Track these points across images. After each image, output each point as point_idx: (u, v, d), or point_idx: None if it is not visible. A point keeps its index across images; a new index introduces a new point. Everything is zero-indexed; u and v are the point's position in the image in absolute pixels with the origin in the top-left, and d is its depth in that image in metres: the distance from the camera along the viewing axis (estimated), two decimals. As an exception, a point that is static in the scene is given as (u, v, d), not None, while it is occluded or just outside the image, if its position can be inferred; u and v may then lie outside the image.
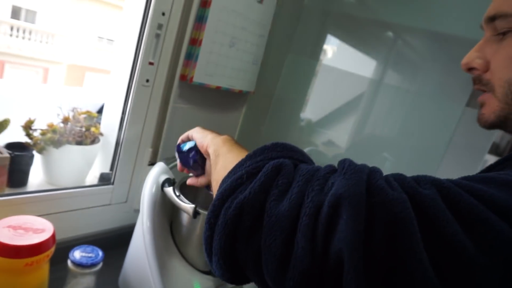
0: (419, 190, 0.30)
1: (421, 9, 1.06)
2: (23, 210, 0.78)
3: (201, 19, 0.88)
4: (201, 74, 0.92)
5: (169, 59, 0.86)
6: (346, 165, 0.34)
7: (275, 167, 0.35)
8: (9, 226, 0.63)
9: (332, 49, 1.28)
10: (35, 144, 0.91)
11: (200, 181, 0.63)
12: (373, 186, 0.30)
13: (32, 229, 0.65)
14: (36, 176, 0.92)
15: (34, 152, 0.92)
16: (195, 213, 0.68)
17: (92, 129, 0.98)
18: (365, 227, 0.28)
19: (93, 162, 1.00)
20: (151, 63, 0.84)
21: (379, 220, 0.28)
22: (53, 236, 0.65)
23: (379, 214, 0.28)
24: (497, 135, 0.87)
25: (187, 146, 0.62)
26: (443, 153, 0.95)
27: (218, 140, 0.54)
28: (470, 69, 0.47)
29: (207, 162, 0.61)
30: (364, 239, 0.28)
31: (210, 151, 0.54)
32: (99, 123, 1.00)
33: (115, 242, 0.93)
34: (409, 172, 0.35)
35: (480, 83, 0.46)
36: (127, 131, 0.87)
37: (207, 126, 1.08)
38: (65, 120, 0.95)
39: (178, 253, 0.75)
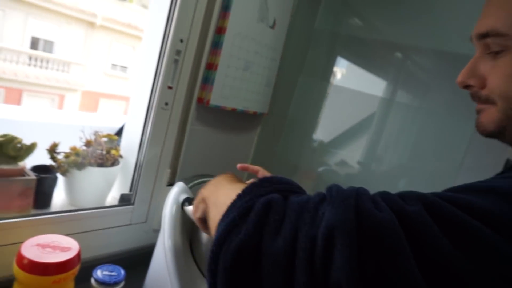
0: (405, 207, 0.31)
1: (427, 29, 1.09)
2: (48, 230, 0.80)
3: (216, 45, 0.93)
4: (217, 97, 0.96)
5: (186, 83, 0.91)
6: (334, 192, 0.35)
7: (265, 205, 0.35)
8: (37, 245, 0.66)
9: (342, 70, 1.32)
10: (59, 167, 0.95)
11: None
12: (362, 210, 0.31)
13: (59, 247, 0.68)
14: (59, 198, 0.95)
15: (58, 175, 0.95)
16: (215, 231, 0.70)
17: (113, 151, 1.02)
18: (358, 252, 0.29)
19: (113, 184, 1.03)
20: (170, 87, 0.88)
21: (370, 244, 0.29)
22: (78, 254, 0.68)
23: (370, 237, 0.29)
24: (510, 150, 0.88)
25: None
26: (455, 174, 0.96)
27: (201, 192, 0.55)
28: (466, 87, 0.48)
29: None
30: (358, 264, 0.29)
31: (205, 194, 0.54)
32: (119, 146, 1.04)
33: (135, 261, 0.94)
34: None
35: (479, 99, 0.47)
36: (147, 152, 0.90)
37: (223, 147, 1.12)
38: (88, 143, 1.00)
39: (199, 272, 0.76)
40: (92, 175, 0.97)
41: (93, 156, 0.99)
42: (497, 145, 0.50)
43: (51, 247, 0.67)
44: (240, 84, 1.01)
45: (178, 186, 0.81)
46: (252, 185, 0.40)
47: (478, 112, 0.48)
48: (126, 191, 1.00)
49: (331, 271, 0.29)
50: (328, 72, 1.27)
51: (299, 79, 1.24)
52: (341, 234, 0.30)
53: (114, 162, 1.02)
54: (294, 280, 0.30)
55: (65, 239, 0.71)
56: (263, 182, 0.41)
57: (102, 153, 1.01)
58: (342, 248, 0.29)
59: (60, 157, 0.96)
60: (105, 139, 1.04)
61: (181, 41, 0.86)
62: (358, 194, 0.34)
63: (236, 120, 1.11)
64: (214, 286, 0.35)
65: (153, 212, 0.98)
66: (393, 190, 0.36)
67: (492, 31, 0.43)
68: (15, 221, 0.74)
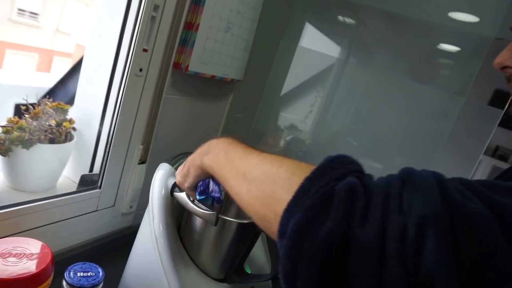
0: (494, 197, 0.31)
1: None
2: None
3: (197, 1, 0.78)
4: (197, 63, 0.83)
5: (164, 45, 0.76)
6: (417, 178, 0.33)
7: (348, 190, 0.33)
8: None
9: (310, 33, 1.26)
10: (-2, 145, 0.76)
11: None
12: (450, 200, 0.30)
13: (25, 254, 0.54)
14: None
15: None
16: (217, 221, 0.62)
17: (65, 124, 0.85)
18: (451, 246, 0.28)
19: (66, 163, 0.87)
20: (145, 50, 0.73)
21: (464, 237, 0.28)
22: (52, 260, 0.55)
23: (464, 230, 0.29)
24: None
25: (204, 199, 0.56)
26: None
27: (208, 146, 0.52)
28: (503, 68, 0.49)
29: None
30: (453, 259, 0.28)
31: (207, 168, 0.51)
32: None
33: (105, 250, 0.83)
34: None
35: None
36: (117, 127, 0.76)
37: (196, 118, 1.00)
38: (35, 115, 0.81)
39: (191, 261, 0.68)
40: (42, 154, 0.80)
41: (42, 130, 0.82)
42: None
43: (15, 255, 0.53)
44: (220, 48, 0.88)
45: (163, 168, 0.70)
46: (324, 167, 0.36)
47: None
48: (83, 171, 0.85)
49: (422, 263, 0.28)
50: (297, 34, 1.19)
51: (279, 43, 1.14)
52: (433, 227, 0.29)
53: (66, 137, 0.85)
54: (386, 270, 0.29)
55: (29, 241, 0.57)
56: (334, 163, 0.37)
57: (51, 126, 0.83)
58: (435, 241, 0.28)
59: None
60: (53, 108, 0.86)
61: (160, -7, 0.70)
62: (439, 180, 0.32)
63: (210, 87, 1.00)
64: (293, 274, 0.33)
65: (122, 195, 0.85)
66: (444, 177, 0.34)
67: None
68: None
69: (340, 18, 1.23)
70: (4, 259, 0.51)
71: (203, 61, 0.85)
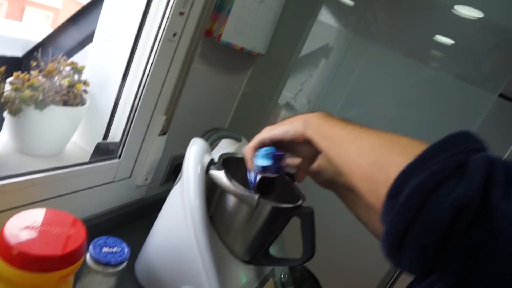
0: None
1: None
2: (10, 198, 0.59)
3: (239, -36, 0.72)
4: (230, 32, 0.78)
5: (200, 10, 0.70)
6: None
7: (486, 163, 0.33)
8: (28, 227, 0.47)
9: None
10: (7, 103, 0.70)
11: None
12: None
13: (59, 228, 0.49)
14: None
15: (5, 114, 0.71)
16: (258, 204, 0.60)
17: (77, 86, 0.78)
18: None
19: (77, 128, 0.81)
20: (181, 13, 0.67)
21: None
22: (86, 235, 0.51)
23: None
24: None
25: (265, 162, 0.55)
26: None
27: (314, 119, 0.51)
28: None
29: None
30: None
31: (310, 134, 0.51)
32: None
33: (118, 223, 0.78)
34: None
35: None
36: (144, 95, 0.70)
37: (214, 89, 0.95)
38: (49, 73, 0.74)
39: (221, 241, 0.66)
40: (54, 117, 0.74)
41: (56, 91, 0.75)
42: None
43: (47, 228, 0.48)
44: (253, 19, 0.83)
45: (197, 143, 0.65)
46: (451, 137, 0.36)
47: None
48: (95, 138, 0.79)
49: None
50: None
51: (301, 21, 1.09)
52: None
53: (78, 100, 0.79)
54: None
55: (58, 214, 0.52)
56: (465, 137, 0.36)
57: (63, 86, 0.77)
58: None
59: (7, 89, 0.70)
60: (68, 67, 0.79)
61: (204, -48, 0.63)
62: None
63: (235, 60, 0.94)
64: (403, 233, 0.33)
65: (139, 166, 0.80)
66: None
67: None
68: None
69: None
70: (39, 233, 0.47)
71: (236, 32, 0.79)
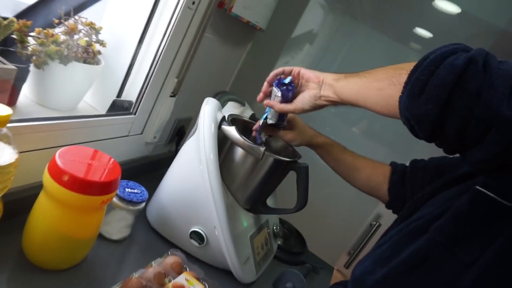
0: None
1: None
2: (43, 138, 0.66)
3: None
4: (240, 5, 0.86)
5: (217, -19, 0.77)
6: None
7: (483, 50, 0.44)
8: (75, 159, 0.54)
9: None
10: (32, 56, 0.75)
11: (289, 107, 0.67)
12: None
13: (99, 163, 0.57)
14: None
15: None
16: (263, 155, 0.69)
17: (93, 46, 0.84)
18: None
19: (91, 86, 0.87)
20: (201, -17, 0.74)
21: None
22: (120, 172, 0.59)
23: None
24: None
25: (287, 80, 0.63)
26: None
27: (339, 77, 0.62)
28: None
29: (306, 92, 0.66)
30: None
31: (329, 79, 0.63)
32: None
33: (128, 176, 0.86)
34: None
35: None
36: (161, 58, 0.77)
37: (219, 59, 1.03)
38: (72, 31, 0.79)
39: (227, 189, 0.75)
40: (75, 72, 0.80)
41: (77, 49, 0.80)
42: None
43: (88, 161, 0.56)
44: (260, -5, 0.91)
45: (211, 103, 0.74)
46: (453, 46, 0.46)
47: None
48: (109, 96, 0.86)
49: None
50: None
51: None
52: None
53: (96, 59, 0.85)
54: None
55: (93, 151, 0.60)
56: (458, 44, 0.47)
57: (80, 45, 0.82)
58: None
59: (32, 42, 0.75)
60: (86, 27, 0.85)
61: None
62: None
63: (239, 31, 1.02)
64: (424, 83, 0.43)
65: (150, 124, 0.88)
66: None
67: None
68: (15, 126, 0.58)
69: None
70: (84, 164, 0.54)
71: (245, 5, 0.87)
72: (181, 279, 0.60)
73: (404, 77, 0.46)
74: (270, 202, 0.87)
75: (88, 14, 0.89)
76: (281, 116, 0.72)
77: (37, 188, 0.54)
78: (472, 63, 0.41)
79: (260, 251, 0.81)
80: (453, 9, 1.16)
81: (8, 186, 0.45)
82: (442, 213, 0.61)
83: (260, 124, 0.73)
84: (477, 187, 0.59)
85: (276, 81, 0.66)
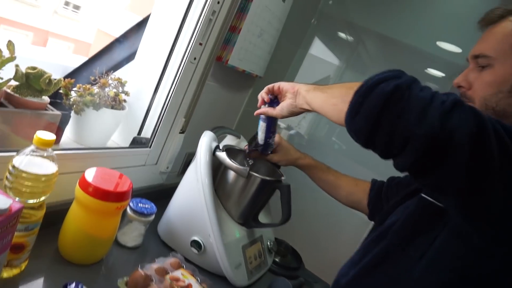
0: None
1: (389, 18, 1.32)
2: (79, 164, 0.85)
3: (243, 10, 1.01)
4: (235, 58, 1.06)
5: (213, 42, 0.99)
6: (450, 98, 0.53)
7: (412, 77, 0.54)
8: (100, 175, 0.73)
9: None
10: (73, 105, 0.97)
11: (272, 112, 0.83)
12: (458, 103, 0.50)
13: (114, 178, 0.75)
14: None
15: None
16: (248, 174, 0.85)
17: (119, 95, 1.06)
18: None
19: (118, 127, 1.08)
20: (200, 44, 0.96)
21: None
22: (131, 185, 0.76)
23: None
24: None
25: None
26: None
27: (308, 88, 0.73)
28: (459, 87, 0.71)
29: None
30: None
31: (304, 95, 0.73)
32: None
33: (148, 198, 1.04)
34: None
35: (465, 97, 0.70)
36: (170, 102, 0.98)
37: (223, 102, 1.23)
38: (103, 85, 1.02)
39: (222, 206, 0.91)
40: (105, 116, 1.01)
41: (107, 98, 1.02)
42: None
43: (109, 178, 0.74)
44: (252, 49, 1.12)
45: (207, 135, 0.92)
46: (389, 73, 0.56)
47: None
48: (132, 134, 1.06)
49: (450, 120, 0.48)
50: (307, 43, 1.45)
51: (291, 50, 1.38)
52: (460, 107, 0.49)
53: (121, 105, 1.06)
54: (428, 114, 0.49)
55: (114, 172, 0.78)
56: (396, 73, 0.56)
57: (109, 95, 1.04)
58: (460, 113, 0.49)
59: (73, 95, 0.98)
60: (115, 82, 1.07)
61: (218, 2, 0.93)
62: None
63: (238, 80, 1.22)
64: (359, 105, 0.53)
65: (163, 156, 1.07)
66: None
67: (482, 53, 0.66)
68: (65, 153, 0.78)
69: (343, 35, 1.49)
70: (106, 180, 0.73)
71: (239, 58, 1.08)
72: (178, 273, 0.75)
73: (350, 97, 0.56)
74: (265, 219, 1.01)
75: (117, 71, 1.13)
76: (266, 146, 0.87)
77: (69, 203, 0.73)
78: (397, 90, 0.51)
79: (253, 261, 0.94)
80: (454, 49, 1.31)
81: (50, 191, 0.64)
82: (398, 220, 0.73)
83: (248, 147, 0.89)
84: (422, 194, 0.72)
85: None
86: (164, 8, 0.98)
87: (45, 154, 0.61)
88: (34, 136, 0.59)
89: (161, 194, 1.11)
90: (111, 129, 1.05)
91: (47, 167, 0.61)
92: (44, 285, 0.67)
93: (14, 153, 0.61)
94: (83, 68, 1.67)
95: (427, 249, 0.65)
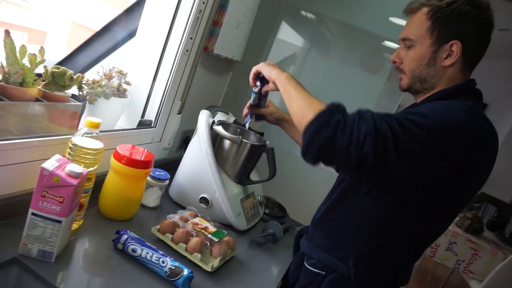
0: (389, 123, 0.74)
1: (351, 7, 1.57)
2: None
3: (223, 7, 1.21)
4: (219, 47, 1.27)
5: (201, 35, 1.18)
6: (364, 115, 0.74)
7: (336, 122, 0.72)
8: (128, 150, 0.93)
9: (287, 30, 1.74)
10: (87, 96, 1.15)
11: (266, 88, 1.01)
12: (377, 126, 0.72)
13: (138, 152, 0.96)
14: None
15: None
16: (241, 142, 1.08)
17: (122, 85, 1.24)
18: (375, 142, 0.69)
19: (123, 113, 1.27)
20: (191, 38, 1.15)
21: (381, 138, 0.71)
22: (153, 157, 0.97)
23: (381, 135, 0.71)
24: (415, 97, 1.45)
25: (257, 89, 1.02)
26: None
27: (283, 76, 0.90)
28: (394, 62, 0.95)
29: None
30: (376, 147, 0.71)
31: (278, 84, 0.90)
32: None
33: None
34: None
35: (399, 69, 0.94)
36: (169, 88, 1.17)
37: (208, 86, 1.43)
38: (110, 77, 1.20)
39: (221, 169, 1.13)
40: (114, 104, 1.19)
41: (113, 88, 1.21)
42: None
43: (135, 151, 0.95)
44: (232, 39, 1.32)
45: (204, 113, 1.13)
46: (330, 108, 0.75)
47: (400, 79, 0.96)
48: (136, 118, 1.26)
49: (363, 149, 0.70)
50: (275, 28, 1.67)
51: (263, 37, 1.60)
52: (370, 135, 0.71)
53: (124, 94, 1.25)
54: (351, 148, 0.69)
55: (138, 147, 0.99)
56: (334, 108, 0.75)
57: (116, 86, 1.23)
58: (370, 140, 0.70)
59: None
60: (118, 74, 1.25)
61: (204, 2, 1.12)
62: (373, 115, 0.74)
63: (220, 65, 1.43)
64: (314, 136, 0.72)
65: (165, 134, 1.27)
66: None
67: (407, 37, 0.89)
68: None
69: (306, 21, 1.71)
70: (134, 152, 0.93)
71: (222, 47, 1.28)
72: (196, 220, 0.97)
73: (311, 116, 0.74)
74: (255, 178, 1.25)
75: (116, 61, 1.30)
76: (260, 97, 1.08)
77: (102, 175, 0.93)
78: (338, 128, 0.71)
79: (249, 211, 1.18)
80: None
81: (99, 163, 0.84)
82: None
83: (249, 103, 1.09)
84: None
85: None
86: (155, 11, 1.15)
87: (94, 134, 0.81)
88: (86, 120, 0.79)
89: (164, 166, 1.32)
90: (118, 115, 1.24)
91: (97, 144, 0.81)
92: (99, 234, 0.88)
93: (58, 137, 0.80)
94: (69, 59, 1.80)
95: (371, 186, 0.88)
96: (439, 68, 0.87)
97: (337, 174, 1.03)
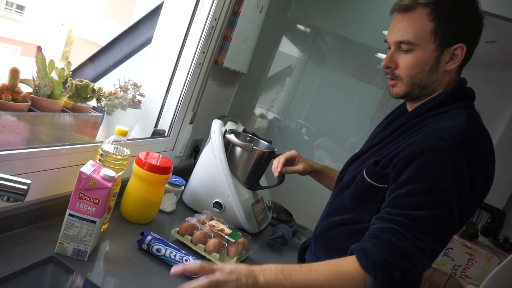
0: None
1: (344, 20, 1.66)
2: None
3: (232, 23, 1.30)
4: (228, 61, 1.35)
5: (212, 50, 1.26)
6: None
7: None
8: (149, 157, 1.00)
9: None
10: (105, 107, 1.21)
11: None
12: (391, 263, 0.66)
13: (158, 159, 1.02)
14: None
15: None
16: (252, 149, 1.15)
17: (137, 97, 1.31)
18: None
19: (137, 123, 1.33)
20: (203, 52, 1.23)
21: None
22: (172, 164, 1.04)
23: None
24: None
25: None
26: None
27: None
28: (387, 67, 0.83)
29: None
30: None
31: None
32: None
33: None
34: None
35: (392, 75, 0.83)
36: (183, 100, 1.25)
37: (217, 97, 1.50)
38: (126, 89, 1.27)
39: (232, 175, 1.20)
40: (129, 115, 1.26)
41: (130, 100, 1.28)
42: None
43: (155, 158, 1.01)
44: (240, 52, 1.40)
45: (217, 123, 1.20)
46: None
47: (392, 85, 0.85)
48: (150, 128, 1.32)
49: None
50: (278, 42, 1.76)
51: (267, 51, 1.68)
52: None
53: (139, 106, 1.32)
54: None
55: (156, 154, 1.05)
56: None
57: (130, 98, 1.29)
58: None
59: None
60: (132, 86, 1.32)
61: (216, 19, 1.21)
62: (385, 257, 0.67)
63: (228, 77, 1.51)
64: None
65: (178, 143, 1.34)
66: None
67: (405, 40, 0.79)
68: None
69: (305, 35, 1.81)
70: (154, 158, 0.99)
71: (231, 60, 1.36)
72: (212, 222, 1.03)
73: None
74: (264, 184, 1.31)
75: (131, 74, 1.37)
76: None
77: (125, 181, 0.98)
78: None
79: (259, 215, 1.24)
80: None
81: (125, 168, 0.90)
82: (350, 183, 0.89)
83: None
84: (364, 174, 0.85)
85: None
86: (169, 28, 1.23)
87: (122, 141, 0.87)
88: (116, 128, 0.86)
89: (176, 174, 1.38)
90: (132, 125, 1.30)
91: (124, 150, 0.88)
92: (123, 235, 0.93)
93: (82, 145, 0.87)
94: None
95: (373, 213, 0.79)
96: (441, 72, 0.81)
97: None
